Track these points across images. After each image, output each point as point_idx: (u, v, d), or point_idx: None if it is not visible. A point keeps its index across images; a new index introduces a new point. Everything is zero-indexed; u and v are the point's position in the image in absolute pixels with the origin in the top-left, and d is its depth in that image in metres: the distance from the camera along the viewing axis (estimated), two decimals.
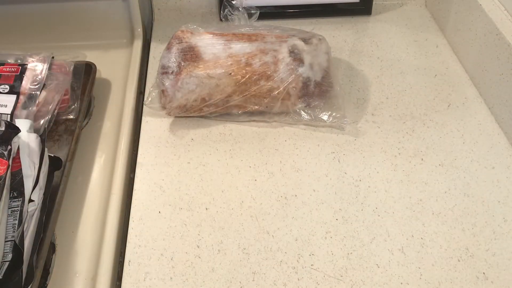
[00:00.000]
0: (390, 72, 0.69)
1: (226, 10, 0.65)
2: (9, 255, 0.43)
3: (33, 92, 0.56)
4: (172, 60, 0.58)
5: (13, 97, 0.55)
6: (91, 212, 0.53)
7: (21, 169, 0.47)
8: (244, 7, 0.64)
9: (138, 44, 0.74)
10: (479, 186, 0.54)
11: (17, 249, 0.43)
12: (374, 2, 0.79)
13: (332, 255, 0.47)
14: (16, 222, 0.44)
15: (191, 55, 0.58)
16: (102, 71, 0.69)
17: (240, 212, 0.51)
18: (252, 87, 0.57)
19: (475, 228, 0.50)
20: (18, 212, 0.45)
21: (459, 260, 0.47)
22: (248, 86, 0.57)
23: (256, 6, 0.65)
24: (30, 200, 0.46)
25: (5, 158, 0.45)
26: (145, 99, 0.62)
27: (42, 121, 0.55)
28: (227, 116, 0.60)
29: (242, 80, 0.57)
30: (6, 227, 0.44)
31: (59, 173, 0.52)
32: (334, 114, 0.59)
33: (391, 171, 0.55)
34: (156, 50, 0.72)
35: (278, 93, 0.58)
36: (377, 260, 0.47)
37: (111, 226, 0.51)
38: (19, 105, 0.55)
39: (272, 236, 0.49)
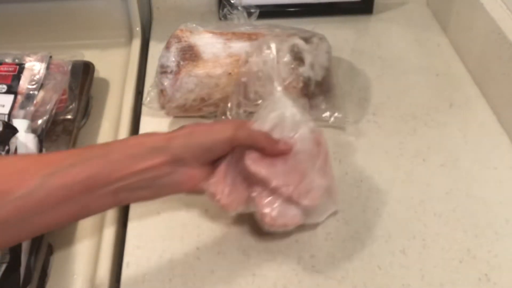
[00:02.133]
0: (392, 71, 0.68)
1: (225, 9, 0.64)
2: (7, 256, 0.42)
3: (31, 92, 0.56)
4: (171, 60, 0.57)
5: (11, 97, 0.55)
6: None
7: None
8: (243, 6, 0.64)
9: (136, 43, 0.73)
10: (481, 187, 0.53)
11: (15, 250, 0.42)
12: (375, 1, 0.78)
13: (333, 257, 0.47)
14: None
15: (190, 54, 0.57)
16: (100, 71, 0.68)
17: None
18: (252, 86, 0.57)
19: (477, 229, 0.49)
20: None
21: (461, 262, 0.47)
22: (248, 86, 0.57)
23: (256, 5, 0.65)
24: None
25: None
26: (143, 98, 0.61)
27: (40, 121, 0.55)
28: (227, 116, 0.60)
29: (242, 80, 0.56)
30: None
31: None
32: (335, 114, 0.59)
33: (392, 172, 0.55)
34: (155, 49, 0.71)
35: None
36: (379, 261, 0.47)
37: (109, 227, 0.51)
38: (16, 105, 0.55)
39: (272, 237, 0.48)
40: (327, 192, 0.46)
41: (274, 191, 0.43)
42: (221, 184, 0.43)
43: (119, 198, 0.37)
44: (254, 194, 0.43)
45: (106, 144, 0.40)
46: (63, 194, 0.34)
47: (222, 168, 0.43)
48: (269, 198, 0.43)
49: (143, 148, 0.37)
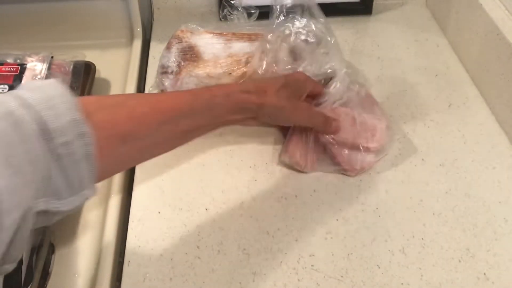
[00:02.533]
0: (391, 72, 0.68)
1: (225, 10, 0.65)
2: None
3: None
4: (172, 60, 0.57)
5: None
6: (91, 212, 0.53)
7: None
8: (243, 7, 0.64)
9: (137, 44, 0.74)
10: (480, 187, 0.54)
11: None
12: (374, 2, 0.78)
13: (333, 256, 0.47)
14: None
15: (190, 54, 0.58)
16: (102, 71, 0.68)
17: (240, 212, 0.51)
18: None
19: (476, 229, 0.50)
20: None
21: (460, 261, 0.47)
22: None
23: (256, 6, 0.65)
24: None
25: None
26: None
27: None
28: None
29: (242, 80, 0.57)
30: None
31: None
32: None
33: (391, 171, 0.55)
34: (156, 49, 0.72)
35: None
36: (378, 260, 0.47)
37: (110, 226, 0.51)
38: None
39: (272, 236, 0.49)
40: (386, 130, 0.56)
41: (347, 147, 0.54)
42: (298, 149, 0.53)
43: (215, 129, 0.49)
44: (330, 152, 0.54)
45: (211, 98, 0.46)
46: (173, 137, 0.43)
47: (297, 135, 0.54)
48: (345, 153, 0.54)
49: (238, 107, 0.47)
